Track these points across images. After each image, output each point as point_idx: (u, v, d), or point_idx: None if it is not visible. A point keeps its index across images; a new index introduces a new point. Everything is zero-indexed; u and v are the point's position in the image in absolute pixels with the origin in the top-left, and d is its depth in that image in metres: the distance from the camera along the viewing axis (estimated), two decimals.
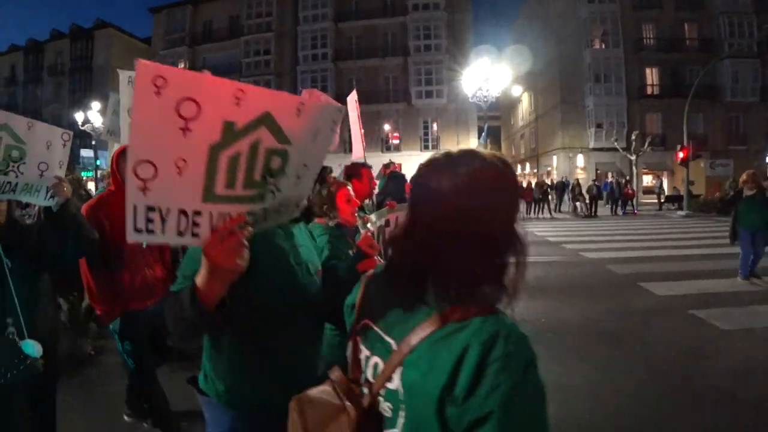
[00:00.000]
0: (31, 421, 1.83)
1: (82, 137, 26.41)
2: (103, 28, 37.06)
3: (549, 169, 30.27)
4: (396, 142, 28.68)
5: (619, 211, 17.98)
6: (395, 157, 28.12)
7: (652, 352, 3.71)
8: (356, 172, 3.21)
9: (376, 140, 29.14)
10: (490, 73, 18.81)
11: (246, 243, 0.93)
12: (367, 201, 3.17)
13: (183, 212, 0.91)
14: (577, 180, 19.60)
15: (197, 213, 0.92)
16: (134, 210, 0.86)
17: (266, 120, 0.89)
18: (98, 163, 26.37)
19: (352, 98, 4.93)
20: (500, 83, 19.27)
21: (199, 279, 0.93)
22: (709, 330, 4.13)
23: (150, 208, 0.88)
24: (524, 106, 36.77)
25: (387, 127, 28.58)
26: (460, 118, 27.54)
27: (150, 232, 0.89)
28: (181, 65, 33.69)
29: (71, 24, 38.65)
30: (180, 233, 0.91)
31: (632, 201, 18.45)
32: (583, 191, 17.93)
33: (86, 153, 30.32)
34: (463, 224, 0.69)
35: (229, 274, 0.92)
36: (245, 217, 0.95)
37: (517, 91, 34.97)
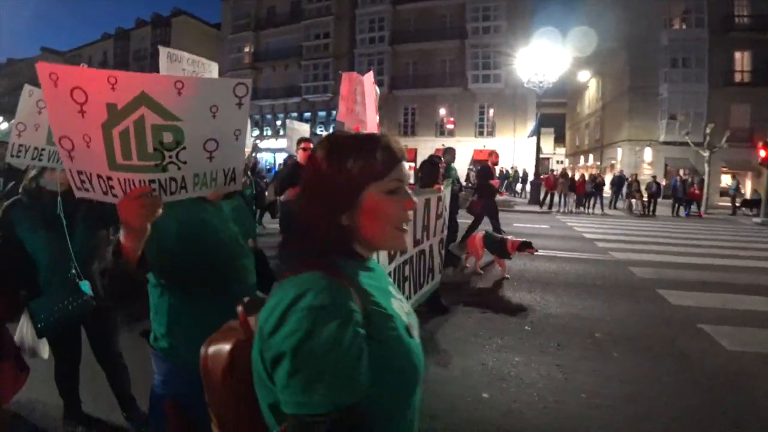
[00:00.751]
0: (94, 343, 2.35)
1: None
2: (179, 16, 39.70)
3: (613, 162, 28.26)
4: (450, 127, 28.23)
5: (682, 213, 16.43)
6: (449, 143, 27.78)
7: (629, 360, 3.51)
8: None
9: (430, 124, 28.97)
10: (547, 57, 17.87)
11: (152, 207, 1.11)
12: None
13: (99, 176, 1.12)
14: (635, 175, 18.16)
15: (109, 178, 1.12)
16: (70, 173, 1.13)
17: (144, 99, 1.05)
18: None
19: (369, 78, 4.93)
20: (558, 68, 18.30)
21: (121, 236, 1.14)
22: (710, 347, 3.78)
23: (79, 172, 1.13)
24: (591, 93, 34.40)
25: (443, 111, 28.19)
26: (518, 104, 26.41)
27: (86, 190, 1.15)
28: (246, 49, 35.44)
29: (152, 13, 41.78)
30: (104, 193, 1.14)
31: (698, 202, 16.74)
32: (642, 188, 16.60)
33: None
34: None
35: (138, 232, 1.12)
36: (149, 186, 1.13)
37: (584, 76, 33.08)
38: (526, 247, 5.44)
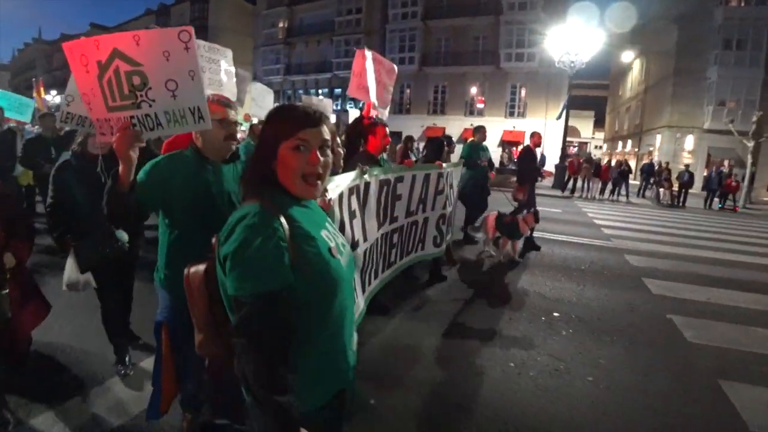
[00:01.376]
0: (118, 285, 2.77)
1: None
2: None
3: (651, 149, 26.84)
4: (480, 106, 27.59)
5: (715, 205, 15.50)
6: (478, 122, 27.17)
7: (576, 339, 3.53)
8: (372, 129, 3.49)
9: (460, 103, 28.40)
10: (580, 35, 17.01)
11: (133, 137, 1.56)
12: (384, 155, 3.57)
13: (106, 120, 1.61)
14: (666, 163, 17.20)
15: (108, 120, 1.60)
16: (96, 122, 1.65)
17: (116, 53, 1.49)
18: None
19: (363, 53, 4.94)
20: (592, 47, 17.39)
21: (119, 167, 1.59)
22: (670, 337, 3.71)
23: (97, 119, 1.63)
24: (634, 75, 32.52)
25: (474, 90, 27.53)
26: (552, 84, 25.28)
27: (103, 134, 1.65)
28: (281, 24, 35.59)
29: None
30: (111, 134, 1.60)
31: (734, 196, 15.68)
32: (673, 177, 15.75)
33: None
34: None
35: (126, 160, 1.57)
36: (129, 122, 1.58)
37: (627, 57, 31.29)
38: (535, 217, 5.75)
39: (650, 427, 2.44)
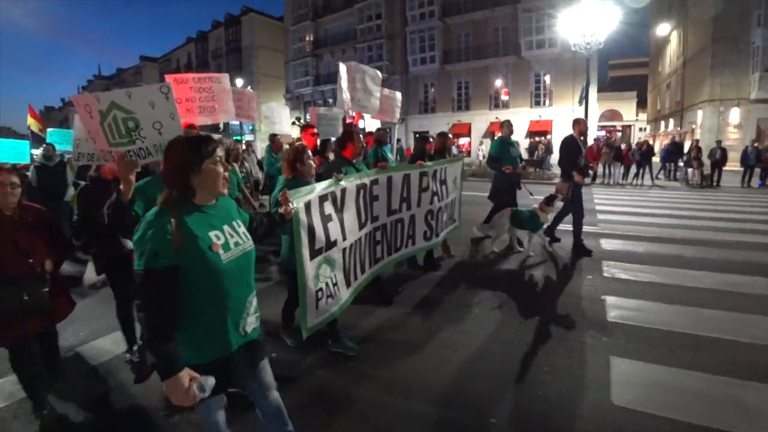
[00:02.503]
0: (128, 284, 3.23)
1: None
2: (248, 14, 42.40)
3: (693, 126, 25.13)
4: (505, 98, 27.22)
5: (755, 183, 14.38)
6: (504, 115, 26.90)
7: (498, 318, 3.79)
8: (350, 136, 3.91)
9: (484, 98, 28.17)
10: (592, 14, 16.45)
11: (130, 165, 2.11)
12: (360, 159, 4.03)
13: (108, 151, 2.21)
14: (696, 141, 16.14)
15: (110, 152, 2.19)
16: (101, 152, 2.26)
17: (113, 105, 2.07)
18: (245, 130, 31.19)
19: (343, 68, 5.41)
20: (607, 24, 16.74)
21: (122, 186, 2.10)
22: (590, 316, 3.77)
23: (101, 150, 2.23)
24: (672, 48, 30.57)
25: (499, 82, 27.23)
26: (578, 68, 24.40)
27: (106, 160, 2.35)
28: (307, 38, 36.95)
29: (225, 13, 45.11)
30: (113, 161, 2.18)
31: None
32: (704, 155, 14.79)
33: (233, 121, 36.26)
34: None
35: (126, 181, 2.08)
36: (125, 153, 2.13)
37: (664, 29, 29.59)
38: (551, 200, 5.63)
39: (521, 395, 2.70)
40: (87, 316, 3.85)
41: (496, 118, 27.00)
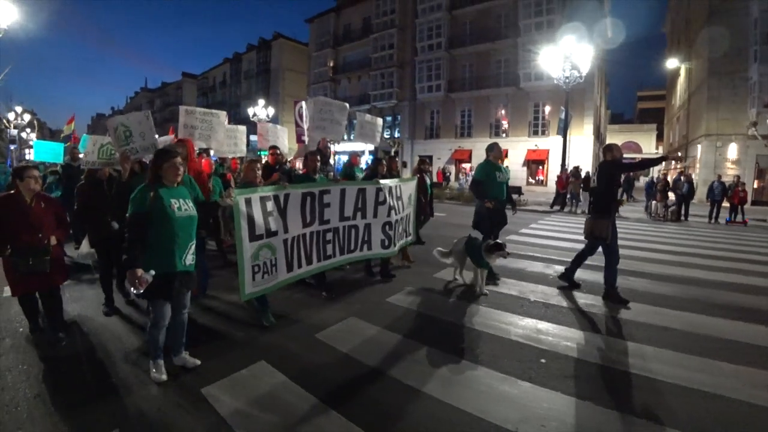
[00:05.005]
0: (113, 256, 4.43)
1: (253, 125, 34.86)
2: (278, 39, 45.54)
3: (690, 161, 24.92)
4: (504, 125, 27.95)
5: (722, 219, 14.40)
6: (503, 143, 27.44)
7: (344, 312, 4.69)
8: (307, 157, 5.07)
9: (485, 125, 29.05)
10: (571, 51, 17.30)
11: (127, 158, 4.12)
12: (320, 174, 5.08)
13: (121, 153, 4.16)
14: (665, 174, 16.35)
15: (122, 152, 4.16)
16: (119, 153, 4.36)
17: (121, 125, 4.16)
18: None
19: (311, 103, 6.46)
20: (585, 61, 17.52)
21: (122, 171, 4.18)
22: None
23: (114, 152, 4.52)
24: (681, 82, 30.46)
25: (503, 112, 28.04)
26: (575, 100, 24.99)
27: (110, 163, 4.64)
28: (329, 64, 39.21)
29: (259, 38, 48.54)
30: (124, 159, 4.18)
31: (742, 207, 14.33)
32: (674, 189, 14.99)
33: (253, 137, 38.70)
34: None
35: (125, 169, 4.10)
36: (126, 151, 4.13)
37: (672, 63, 29.67)
38: (494, 249, 4.98)
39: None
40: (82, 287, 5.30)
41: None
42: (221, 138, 6.04)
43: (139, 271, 2.71)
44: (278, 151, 7.20)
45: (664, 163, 30.24)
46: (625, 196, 14.81)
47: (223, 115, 6.07)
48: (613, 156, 5.01)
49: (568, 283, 5.51)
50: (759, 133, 21.10)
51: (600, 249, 5.14)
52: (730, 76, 21.93)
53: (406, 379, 3.03)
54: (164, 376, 3.02)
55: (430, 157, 30.37)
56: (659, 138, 41.06)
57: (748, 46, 21.35)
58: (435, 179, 25.75)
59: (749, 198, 21.65)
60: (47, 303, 3.75)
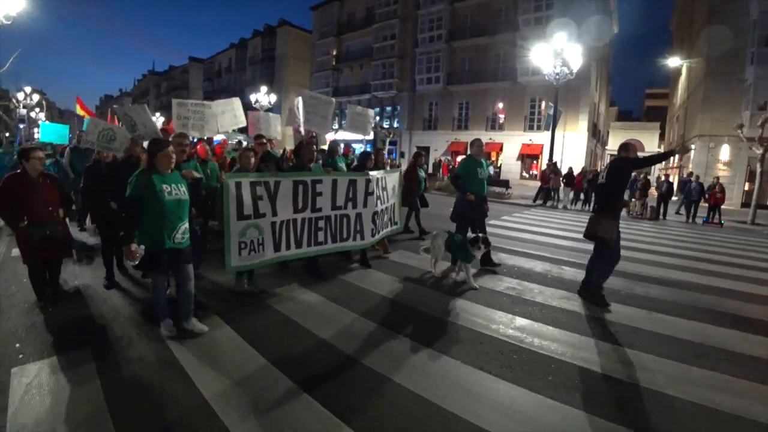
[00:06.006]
0: (111, 233, 4.70)
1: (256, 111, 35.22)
2: (283, 26, 45.62)
3: (683, 161, 24.91)
4: (501, 118, 28.06)
5: (699, 219, 14.60)
6: (499, 137, 27.83)
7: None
8: (299, 147, 5.30)
9: (482, 119, 29.22)
10: (563, 49, 17.42)
11: (136, 142, 4.88)
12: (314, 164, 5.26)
13: (132, 139, 4.98)
14: (645, 174, 16.48)
15: (128, 137, 5.10)
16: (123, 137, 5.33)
17: (125, 116, 5.37)
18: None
19: (299, 98, 6.78)
20: (575, 59, 17.64)
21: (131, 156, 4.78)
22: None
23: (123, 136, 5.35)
24: (682, 81, 30.26)
25: (500, 106, 28.13)
26: (571, 96, 25.08)
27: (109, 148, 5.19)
28: (332, 53, 39.33)
29: (264, 24, 48.64)
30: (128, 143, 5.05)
31: (719, 208, 14.39)
32: (653, 188, 15.18)
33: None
34: None
35: (133, 153, 4.73)
36: (135, 136, 5.04)
37: (674, 62, 29.45)
38: (476, 242, 5.14)
39: None
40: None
41: (490, 139, 27.99)
42: (214, 127, 6.43)
43: (133, 246, 3.11)
44: (264, 140, 7.47)
45: (670, 158, 30.09)
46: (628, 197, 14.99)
47: (214, 104, 6.50)
48: (627, 155, 4.70)
49: (594, 302, 4.74)
50: (746, 135, 21.12)
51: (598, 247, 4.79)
52: (726, 77, 21.83)
53: (378, 368, 3.08)
54: (173, 332, 3.45)
55: (427, 149, 30.63)
56: (662, 137, 40.77)
57: (746, 48, 21.21)
58: (441, 174, 25.98)
59: (740, 200, 21.92)
60: (52, 270, 4.25)
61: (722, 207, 14.60)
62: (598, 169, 17.82)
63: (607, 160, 39.27)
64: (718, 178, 15.11)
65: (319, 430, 2.40)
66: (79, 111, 13.92)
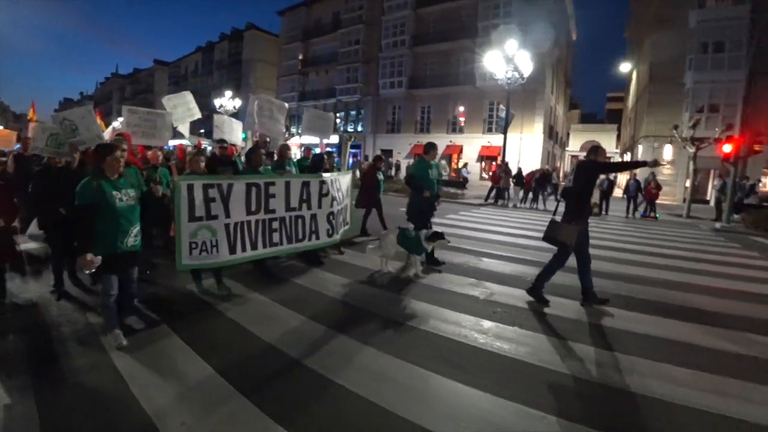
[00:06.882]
0: (64, 240, 4.42)
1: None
2: (250, 30, 45.49)
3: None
4: (462, 120, 28.80)
5: (637, 214, 15.47)
6: (459, 139, 28.53)
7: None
8: (252, 151, 5.34)
9: (443, 122, 29.92)
10: (514, 55, 18.16)
11: (75, 147, 4.68)
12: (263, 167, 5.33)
13: (70, 144, 4.72)
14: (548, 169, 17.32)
15: (71, 144, 4.73)
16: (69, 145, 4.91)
17: (65, 120, 4.78)
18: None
19: (255, 101, 6.93)
20: (526, 64, 18.43)
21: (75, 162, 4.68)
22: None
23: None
24: (633, 85, 31.83)
25: (461, 109, 28.85)
26: (528, 99, 26.05)
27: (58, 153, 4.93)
28: (299, 57, 39.46)
29: (232, 27, 48.35)
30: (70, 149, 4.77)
31: (654, 203, 15.40)
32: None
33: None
34: None
35: (74, 158, 4.66)
36: (74, 142, 4.68)
37: (625, 67, 30.87)
38: (436, 237, 5.49)
39: None
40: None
41: (451, 141, 28.74)
42: (166, 136, 6.44)
43: (89, 256, 3.08)
44: (225, 145, 7.56)
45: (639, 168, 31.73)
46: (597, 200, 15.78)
47: (167, 114, 6.50)
48: (596, 158, 4.66)
49: (535, 298, 4.78)
50: (684, 136, 22.51)
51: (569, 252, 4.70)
52: (669, 82, 23.15)
53: (321, 370, 3.08)
54: (124, 342, 3.35)
55: (391, 152, 31.14)
56: (618, 138, 42.54)
57: (685, 55, 22.57)
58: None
59: (682, 196, 23.18)
60: None
61: (666, 203, 15.56)
62: (545, 169, 18.59)
63: (568, 160, 40.73)
64: (653, 174, 16.08)
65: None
66: (31, 115, 13.73)
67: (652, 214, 15.30)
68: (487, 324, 4.08)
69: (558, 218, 4.75)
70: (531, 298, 4.81)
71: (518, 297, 4.93)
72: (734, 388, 3.05)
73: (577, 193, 4.61)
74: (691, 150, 16.97)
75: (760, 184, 22.10)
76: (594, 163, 4.63)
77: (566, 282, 5.22)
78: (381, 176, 8.57)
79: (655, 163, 4.54)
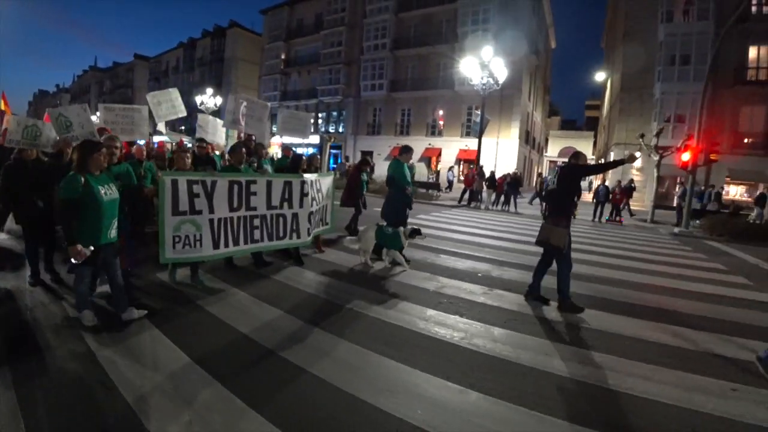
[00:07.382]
0: (41, 233, 4.63)
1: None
2: (233, 27, 45.19)
3: None
4: (441, 123, 29.23)
5: (603, 219, 16.00)
6: (438, 142, 28.95)
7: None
8: (234, 149, 5.45)
9: (423, 125, 30.31)
10: (490, 61, 18.62)
11: (68, 143, 4.75)
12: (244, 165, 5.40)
13: (63, 139, 4.92)
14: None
15: (64, 138, 4.91)
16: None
17: (61, 116, 4.92)
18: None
19: (236, 99, 6.90)
20: (500, 71, 18.90)
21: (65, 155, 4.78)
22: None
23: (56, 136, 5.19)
24: (608, 93, 32.82)
25: (441, 112, 29.26)
26: (505, 105, 26.64)
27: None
28: (281, 56, 39.38)
29: (214, 25, 47.94)
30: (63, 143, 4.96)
31: (619, 208, 16.09)
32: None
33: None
34: None
35: (65, 153, 4.74)
36: (68, 137, 4.83)
37: (600, 76, 31.78)
38: (415, 234, 6.05)
39: None
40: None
41: (430, 144, 29.13)
42: (145, 130, 6.38)
43: (79, 246, 3.26)
44: (204, 144, 7.55)
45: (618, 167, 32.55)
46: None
47: (144, 109, 6.35)
48: (577, 162, 4.87)
49: (535, 298, 5.00)
50: (646, 143, 23.37)
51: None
52: (639, 92, 24.00)
53: (295, 360, 3.19)
54: (94, 321, 3.54)
55: (371, 153, 31.35)
56: (595, 145, 43.70)
57: (655, 66, 23.44)
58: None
59: (651, 202, 24.02)
60: None
61: (636, 208, 16.09)
62: (516, 173, 19.06)
63: (546, 165, 41.65)
64: (619, 181, 16.67)
65: (228, 417, 2.50)
66: (4, 106, 13.46)
67: (618, 219, 15.86)
68: (456, 319, 4.32)
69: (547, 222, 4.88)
70: (503, 295, 5.10)
71: (485, 294, 5.22)
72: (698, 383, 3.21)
73: (562, 194, 4.83)
74: (656, 158, 17.66)
75: (724, 192, 23.10)
76: (575, 167, 4.85)
77: (513, 277, 5.53)
78: (365, 177, 8.81)
79: (632, 158, 4.77)
